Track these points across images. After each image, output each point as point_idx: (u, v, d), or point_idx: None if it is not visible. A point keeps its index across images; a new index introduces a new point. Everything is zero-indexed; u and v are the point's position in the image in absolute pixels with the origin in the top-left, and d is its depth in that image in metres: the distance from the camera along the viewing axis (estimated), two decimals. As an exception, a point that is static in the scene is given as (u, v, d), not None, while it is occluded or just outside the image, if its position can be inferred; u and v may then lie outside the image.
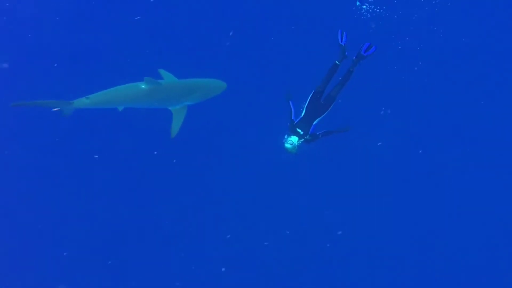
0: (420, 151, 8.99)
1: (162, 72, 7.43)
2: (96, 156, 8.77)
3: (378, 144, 8.76)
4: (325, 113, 6.95)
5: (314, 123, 6.86)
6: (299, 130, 6.75)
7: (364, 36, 7.95)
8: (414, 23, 8.92)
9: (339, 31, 7.25)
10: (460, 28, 8.99)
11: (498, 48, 9.00)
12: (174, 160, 8.75)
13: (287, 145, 6.68)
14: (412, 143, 8.99)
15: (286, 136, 6.77)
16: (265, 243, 8.75)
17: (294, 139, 6.68)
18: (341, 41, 7.21)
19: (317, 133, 6.86)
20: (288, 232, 8.82)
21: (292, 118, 6.92)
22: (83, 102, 7.05)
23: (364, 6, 8.81)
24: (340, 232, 8.76)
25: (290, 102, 7.07)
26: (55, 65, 9.14)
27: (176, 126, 7.29)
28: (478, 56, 9.00)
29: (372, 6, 8.83)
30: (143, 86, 7.11)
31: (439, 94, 9.03)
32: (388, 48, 8.74)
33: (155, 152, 8.76)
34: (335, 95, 7.02)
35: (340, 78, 7.14)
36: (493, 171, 8.93)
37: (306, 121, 6.84)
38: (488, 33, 9.01)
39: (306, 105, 6.97)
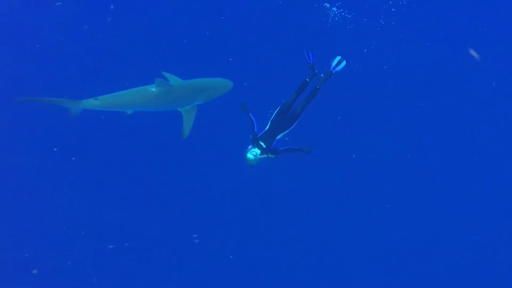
0: (409, 156, 9.08)
1: (166, 74, 7.37)
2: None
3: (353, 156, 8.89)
4: (289, 129, 6.88)
5: (277, 137, 6.79)
6: (261, 143, 6.62)
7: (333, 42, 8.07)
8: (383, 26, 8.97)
9: (304, 51, 7.28)
10: (427, 30, 9.04)
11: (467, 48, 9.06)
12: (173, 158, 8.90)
13: (250, 155, 6.53)
14: (398, 148, 9.06)
15: (250, 146, 6.64)
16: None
17: (257, 151, 6.57)
18: (310, 61, 7.26)
19: (279, 149, 6.77)
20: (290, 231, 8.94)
21: (255, 131, 6.80)
22: (91, 103, 7.06)
23: (334, 9, 8.85)
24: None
25: (250, 114, 6.96)
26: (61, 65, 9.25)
27: (187, 126, 7.33)
28: (449, 59, 9.03)
29: (341, 10, 8.85)
30: (153, 89, 7.13)
31: (415, 97, 9.13)
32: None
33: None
34: (300, 112, 6.96)
35: (307, 94, 7.10)
36: (483, 173, 9.03)
37: (269, 134, 6.74)
38: (457, 35, 9.06)
39: (271, 118, 6.89)
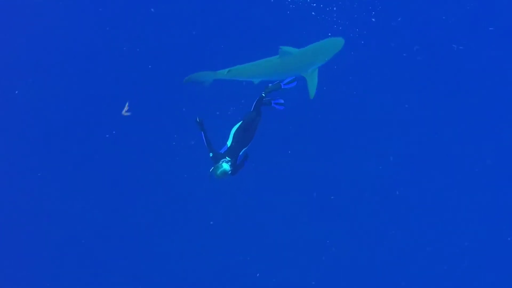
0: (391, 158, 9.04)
1: (284, 48, 7.64)
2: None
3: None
4: (249, 143, 6.92)
5: (240, 153, 6.76)
6: (228, 159, 6.55)
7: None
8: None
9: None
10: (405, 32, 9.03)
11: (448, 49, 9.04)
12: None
13: (226, 166, 6.44)
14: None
15: (221, 163, 6.47)
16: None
17: (226, 166, 6.43)
18: (283, 83, 7.45)
19: (239, 164, 6.76)
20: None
21: (216, 150, 6.70)
22: (223, 73, 7.66)
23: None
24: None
25: (203, 134, 6.78)
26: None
27: (312, 88, 7.72)
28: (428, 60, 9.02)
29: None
30: (278, 58, 7.59)
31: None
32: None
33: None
34: (256, 125, 7.03)
35: (255, 105, 7.14)
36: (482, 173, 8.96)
37: (233, 151, 6.69)
38: (437, 36, 9.04)
39: (234, 135, 6.84)
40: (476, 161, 8.93)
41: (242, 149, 6.81)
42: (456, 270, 8.86)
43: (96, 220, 9.03)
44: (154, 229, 9.05)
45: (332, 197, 8.92)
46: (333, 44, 7.87)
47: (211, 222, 8.92)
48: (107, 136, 9.01)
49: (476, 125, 8.95)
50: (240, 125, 6.93)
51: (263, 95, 7.18)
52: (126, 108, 7.76)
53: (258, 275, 8.92)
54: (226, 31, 9.10)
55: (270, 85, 7.36)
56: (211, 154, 6.68)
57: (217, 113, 8.45)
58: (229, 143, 6.83)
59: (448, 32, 8.98)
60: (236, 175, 6.79)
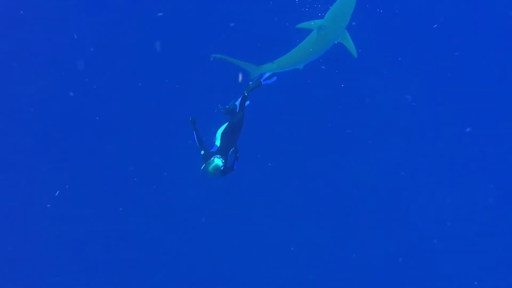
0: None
1: (303, 24, 7.65)
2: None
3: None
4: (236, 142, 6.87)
5: (229, 152, 6.74)
6: (219, 156, 6.52)
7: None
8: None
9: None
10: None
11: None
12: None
13: (218, 162, 6.40)
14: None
15: (212, 159, 6.44)
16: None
17: (218, 161, 6.41)
18: (263, 80, 7.41)
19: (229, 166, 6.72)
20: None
21: (207, 149, 6.68)
22: (269, 67, 7.51)
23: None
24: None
25: (195, 132, 6.81)
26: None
27: (352, 49, 7.71)
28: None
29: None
30: (315, 34, 7.47)
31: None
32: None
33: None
34: (242, 124, 6.95)
35: (239, 105, 7.13)
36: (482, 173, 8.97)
37: (223, 150, 6.65)
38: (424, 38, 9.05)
39: (221, 135, 6.82)
40: (476, 161, 8.97)
41: (230, 149, 6.78)
42: (456, 270, 8.88)
43: (96, 220, 9.12)
44: (149, 227, 9.14)
45: (325, 196, 9.00)
46: (348, 2, 7.77)
47: (203, 219, 9.00)
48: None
49: (476, 125, 8.96)
50: (227, 126, 6.89)
51: (246, 94, 7.12)
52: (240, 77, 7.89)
53: (251, 273, 9.01)
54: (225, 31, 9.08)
55: (250, 83, 7.29)
56: (202, 152, 6.68)
57: (215, 111, 8.06)
58: (218, 143, 6.83)
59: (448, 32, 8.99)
60: (226, 176, 6.72)
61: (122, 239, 9.12)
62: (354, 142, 9.01)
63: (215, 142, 6.91)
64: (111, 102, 9.16)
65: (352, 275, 8.95)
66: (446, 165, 9.00)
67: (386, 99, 9.04)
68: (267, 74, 7.49)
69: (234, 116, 7.01)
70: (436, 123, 9.03)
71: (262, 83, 7.40)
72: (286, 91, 8.69)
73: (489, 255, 8.83)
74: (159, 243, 9.12)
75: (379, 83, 9.01)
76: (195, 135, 6.80)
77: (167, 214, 9.11)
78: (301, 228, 9.00)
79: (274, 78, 7.53)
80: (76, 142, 9.20)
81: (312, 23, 7.61)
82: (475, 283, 8.84)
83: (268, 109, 8.49)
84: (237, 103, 7.28)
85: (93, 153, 9.17)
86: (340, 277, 8.96)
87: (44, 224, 9.15)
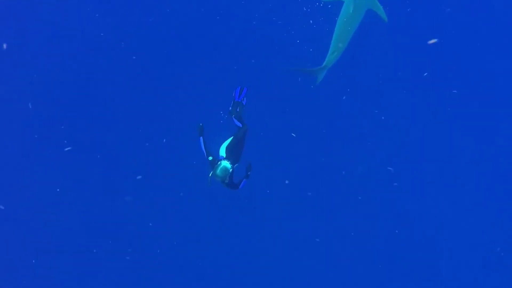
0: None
1: None
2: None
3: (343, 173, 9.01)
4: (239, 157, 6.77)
5: (234, 167, 6.56)
6: (227, 160, 6.43)
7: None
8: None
9: (237, 88, 7.20)
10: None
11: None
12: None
13: (226, 164, 6.30)
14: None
15: (220, 162, 6.34)
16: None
17: (226, 163, 6.31)
18: (237, 98, 7.13)
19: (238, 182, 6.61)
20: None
21: (215, 156, 6.57)
22: (331, 59, 7.51)
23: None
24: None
25: (201, 139, 6.70)
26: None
27: (382, 14, 7.63)
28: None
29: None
30: (350, 11, 7.41)
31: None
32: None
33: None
34: (245, 136, 6.91)
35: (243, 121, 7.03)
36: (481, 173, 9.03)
37: (229, 160, 6.48)
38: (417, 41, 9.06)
39: (226, 148, 6.68)
40: (476, 161, 9.01)
41: (235, 163, 6.63)
42: (456, 271, 8.94)
43: (96, 220, 9.15)
44: (149, 227, 9.17)
45: (324, 195, 9.04)
46: None
47: (203, 220, 9.03)
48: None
49: (476, 125, 9.03)
50: (231, 141, 6.76)
51: (237, 110, 7.05)
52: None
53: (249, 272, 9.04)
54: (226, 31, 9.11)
55: (230, 108, 7.11)
56: (210, 158, 6.55)
57: (222, 117, 7.96)
58: (223, 155, 6.68)
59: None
60: (231, 188, 6.59)
61: (122, 239, 9.19)
62: (354, 142, 9.05)
63: (219, 154, 6.75)
64: (111, 102, 9.17)
65: (352, 275, 9.00)
66: (446, 165, 9.06)
67: (386, 99, 9.08)
68: (237, 91, 7.17)
69: (239, 131, 6.93)
70: (436, 123, 9.07)
71: (239, 100, 7.13)
72: (286, 91, 8.72)
73: (489, 255, 8.91)
74: (159, 243, 9.17)
75: (379, 83, 9.03)
76: (201, 141, 6.68)
77: (167, 214, 9.14)
78: (301, 228, 9.04)
79: (245, 89, 7.17)
80: (77, 142, 9.22)
81: None
82: (474, 282, 8.88)
83: (268, 109, 8.53)
84: (236, 123, 7.10)
85: (93, 153, 9.21)
86: (340, 277, 9.01)
87: (44, 224, 9.18)
